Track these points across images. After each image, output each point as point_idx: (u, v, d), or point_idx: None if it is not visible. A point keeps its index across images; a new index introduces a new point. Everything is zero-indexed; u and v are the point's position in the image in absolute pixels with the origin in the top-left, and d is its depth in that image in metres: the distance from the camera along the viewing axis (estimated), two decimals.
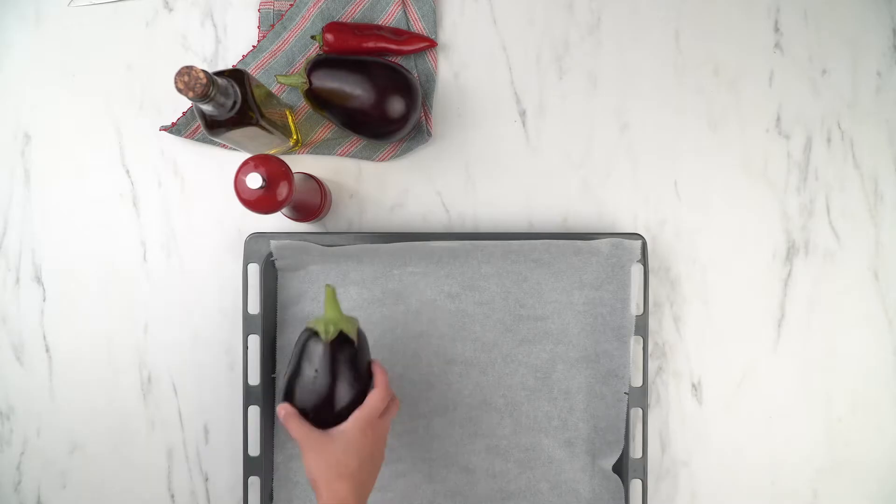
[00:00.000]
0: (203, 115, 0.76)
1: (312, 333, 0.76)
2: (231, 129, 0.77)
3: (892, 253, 0.94)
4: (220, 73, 0.77)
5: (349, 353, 0.76)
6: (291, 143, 0.91)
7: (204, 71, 0.69)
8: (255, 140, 0.83)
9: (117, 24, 0.94)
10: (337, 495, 0.71)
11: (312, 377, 0.75)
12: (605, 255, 0.89)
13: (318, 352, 0.76)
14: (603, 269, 0.90)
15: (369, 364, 0.79)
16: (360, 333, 0.79)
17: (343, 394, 0.75)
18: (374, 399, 0.75)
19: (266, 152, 0.89)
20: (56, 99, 0.94)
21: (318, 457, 0.72)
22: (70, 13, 0.94)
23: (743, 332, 0.94)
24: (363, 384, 0.77)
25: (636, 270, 0.89)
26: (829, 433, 0.94)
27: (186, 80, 0.68)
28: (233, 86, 0.75)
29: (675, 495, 0.94)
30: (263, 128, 0.79)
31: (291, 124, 0.90)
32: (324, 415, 0.75)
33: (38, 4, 0.94)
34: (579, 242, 0.89)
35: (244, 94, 0.76)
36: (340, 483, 0.71)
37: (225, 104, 0.74)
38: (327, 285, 0.78)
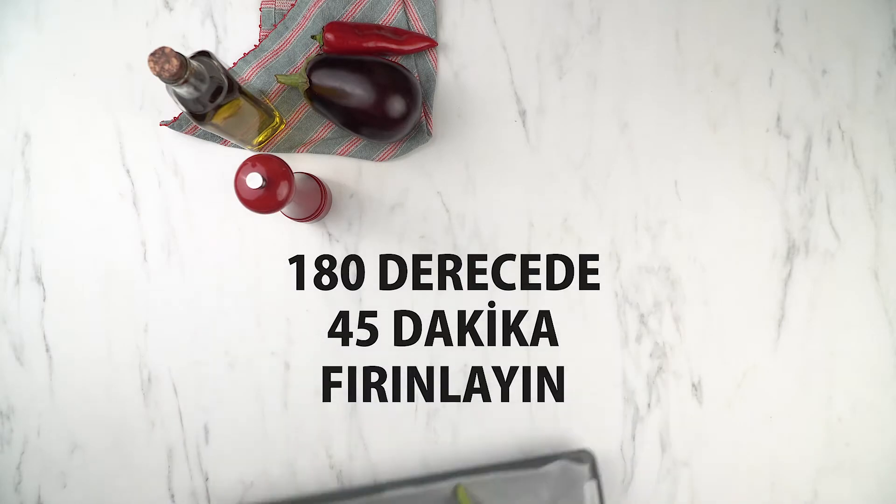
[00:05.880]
0: (186, 103, 0.76)
1: None
2: (217, 110, 0.77)
3: (892, 253, 0.94)
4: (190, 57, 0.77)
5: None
6: (277, 121, 0.90)
7: (176, 52, 0.68)
8: (243, 121, 0.82)
9: (117, 24, 0.94)
10: None
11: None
12: (555, 478, 0.88)
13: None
14: (557, 489, 0.88)
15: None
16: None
17: None
18: None
19: (256, 137, 0.88)
20: (56, 99, 0.94)
21: None
22: (70, 13, 0.94)
23: (743, 332, 0.94)
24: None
25: (590, 488, 0.88)
26: (829, 433, 0.94)
27: (160, 61, 0.68)
28: (205, 64, 0.75)
29: (675, 495, 0.94)
30: (247, 97, 0.79)
31: (269, 103, 0.90)
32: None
33: (38, 4, 0.94)
34: (531, 471, 0.87)
35: (218, 70, 0.76)
36: None
37: (200, 87, 0.73)
38: None
